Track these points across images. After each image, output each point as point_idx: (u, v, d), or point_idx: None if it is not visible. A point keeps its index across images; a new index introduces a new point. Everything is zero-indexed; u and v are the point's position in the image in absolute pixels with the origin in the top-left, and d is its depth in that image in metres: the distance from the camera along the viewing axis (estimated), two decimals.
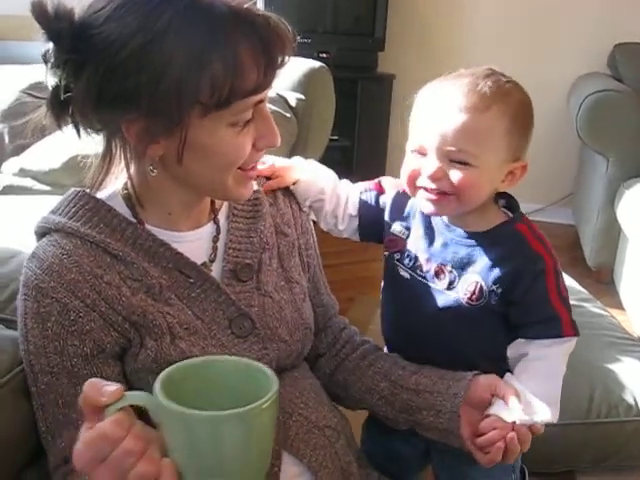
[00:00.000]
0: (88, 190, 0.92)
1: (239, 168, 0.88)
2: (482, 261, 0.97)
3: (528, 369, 0.97)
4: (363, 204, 1.10)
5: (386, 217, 1.08)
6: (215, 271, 0.96)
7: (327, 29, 3.56)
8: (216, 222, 0.99)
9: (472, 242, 0.98)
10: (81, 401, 0.66)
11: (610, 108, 2.69)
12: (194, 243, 0.96)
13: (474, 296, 0.97)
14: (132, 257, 0.88)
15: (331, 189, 1.09)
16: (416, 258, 1.03)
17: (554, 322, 0.96)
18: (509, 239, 0.97)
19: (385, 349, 1.13)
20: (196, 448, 0.63)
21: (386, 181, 1.11)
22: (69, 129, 0.87)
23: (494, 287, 0.96)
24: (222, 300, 0.93)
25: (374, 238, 1.11)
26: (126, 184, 0.93)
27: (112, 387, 0.65)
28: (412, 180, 0.97)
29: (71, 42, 0.79)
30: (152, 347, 0.87)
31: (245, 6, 0.82)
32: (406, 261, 1.04)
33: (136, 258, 0.89)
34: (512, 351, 1.00)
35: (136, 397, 0.66)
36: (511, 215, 1.02)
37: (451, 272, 0.99)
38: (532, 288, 0.95)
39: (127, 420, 0.64)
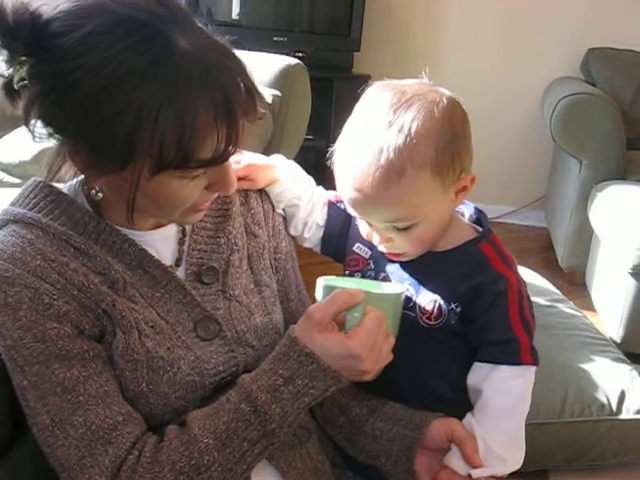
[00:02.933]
0: (47, 180, 0.88)
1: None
2: (442, 280, 0.94)
3: (486, 409, 0.92)
4: (331, 215, 1.06)
5: (350, 234, 1.04)
6: (179, 272, 0.93)
7: (303, 29, 3.53)
8: None
9: (432, 261, 0.95)
10: (328, 310, 0.83)
11: (583, 111, 2.70)
12: (158, 243, 0.92)
13: (432, 315, 0.93)
14: (95, 250, 0.85)
15: (309, 196, 1.06)
16: (375, 277, 1.00)
17: (511, 345, 0.91)
18: (471, 259, 0.94)
19: None
20: (396, 316, 0.91)
21: None
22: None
23: (453, 306, 0.93)
24: (187, 301, 0.90)
25: (333, 253, 1.08)
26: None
27: (352, 291, 0.84)
28: (370, 240, 0.97)
29: (24, 53, 0.74)
30: (120, 340, 0.84)
31: (222, 60, 0.76)
32: None
33: (100, 252, 0.85)
34: (471, 379, 0.94)
35: (362, 294, 0.85)
36: (480, 230, 0.98)
37: (408, 290, 0.96)
38: (492, 307, 0.91)
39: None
